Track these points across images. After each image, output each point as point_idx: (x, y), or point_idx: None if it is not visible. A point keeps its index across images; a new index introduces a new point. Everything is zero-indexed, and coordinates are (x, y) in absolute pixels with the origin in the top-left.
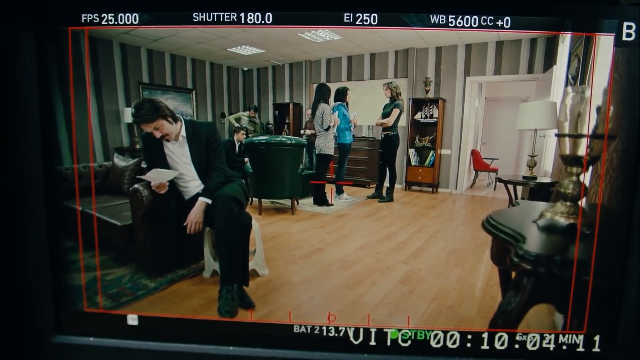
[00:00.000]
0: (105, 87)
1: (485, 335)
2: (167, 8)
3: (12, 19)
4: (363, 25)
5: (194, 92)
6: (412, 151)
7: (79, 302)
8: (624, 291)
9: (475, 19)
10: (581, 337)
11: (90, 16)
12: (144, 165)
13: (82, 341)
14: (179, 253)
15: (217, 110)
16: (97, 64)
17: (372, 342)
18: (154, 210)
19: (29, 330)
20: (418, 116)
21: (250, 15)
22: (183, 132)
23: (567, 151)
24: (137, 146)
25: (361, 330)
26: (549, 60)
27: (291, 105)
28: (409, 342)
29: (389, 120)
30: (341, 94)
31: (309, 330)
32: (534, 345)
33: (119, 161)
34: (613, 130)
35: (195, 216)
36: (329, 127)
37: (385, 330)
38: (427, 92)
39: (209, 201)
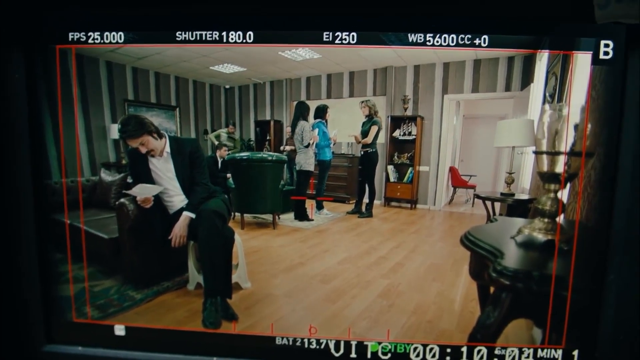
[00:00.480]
0: (92, 103)
1: (464, 349)
2: (151, 27)
3: (2, 37)
4: (342, 44)
5: (177, 109)
6: (390, 168)
7: (68, 313)
8: (602, 306)
9: (452, 37)
10: (560, 352)
11: (77, 35)
12: (129, 180)
13: (71, 350)
14: (164, 266)
15: (200, 127)
16: (84, 81)
17: (353, 355)
18: (140, 223)
19: (20, 340)
20: (397, 133)
21: (232, 34)
22: (167, 148)
23: (545, 168)
24: (123, 161)
25: (342, 342)
26: (527, 78)
27: (272, 123)
28: (389, 355)
29: (368, 138)
30: (321, 112)
31: (291, 342)
32: (513, 359)
33: (106, 176)
34: (591, 147)
35: (179, 230)
36: (309, 144)
37: (365, 343)
38: (405, 109)
39: (193, 215)
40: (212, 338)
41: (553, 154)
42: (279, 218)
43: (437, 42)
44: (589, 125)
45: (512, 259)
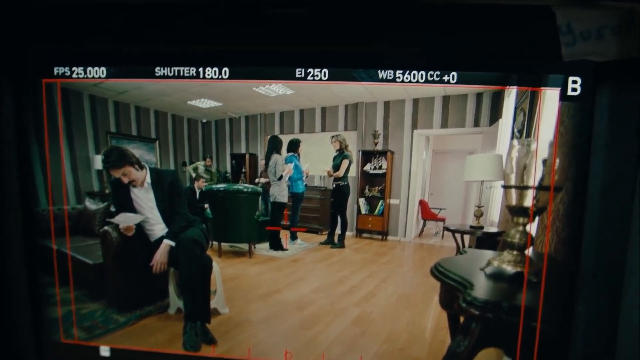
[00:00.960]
0: (77, 135)
1: None
2: (131, 63)
3: None
4: (314, 80)
5: (157, 141)
6: (362, 200)
7: (57, 334)
8: (571, 337)
9: (422, 74)
10: None
11: (62, 69)
12: (112, 209)
13: None
14: (146, 291)
15: (178, 159)
16: (69, 114)
17: None
18: (123, 250)
19: (12, 359)
20: (367, 167)
21: (209, 70)
22: (148, 179)
23: (514, 202)
24: (107, 191)
25: None
26: (495, 114)
27: (247, 156)
28: None
29: (339, 172)
30: (294, 146)
31: None
32: None
33: (91, 204)
34: (559, 182)
35: (160, 257)
36: (282, 176)
37: None
38: (375, 144)
39: (173, 243)
40: None
41: (521, 188)
42: (254, 247)
43: (407, 78)
44: (558, 160)
45: (481, 289)
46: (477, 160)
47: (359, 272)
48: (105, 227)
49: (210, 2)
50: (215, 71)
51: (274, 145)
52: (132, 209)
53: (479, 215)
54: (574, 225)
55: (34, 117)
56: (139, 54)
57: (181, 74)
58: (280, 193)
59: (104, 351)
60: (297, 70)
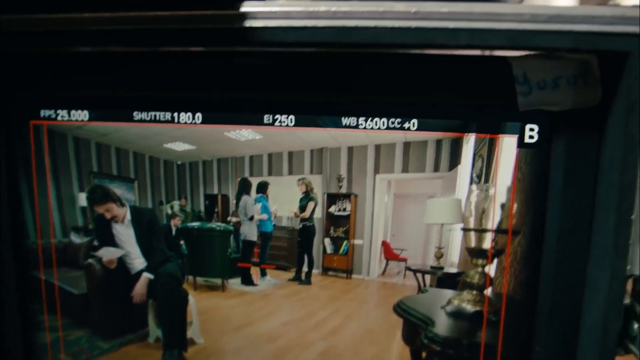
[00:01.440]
0: (62, 174)
1: None
2: (111, 107)
3: None
4: (281, 126)
5: (136, 181)
6: (327, 240)
7: (45, 358)
8: None
9: (383, 121)
10: None
11: (48, 112)
12: (95, 243)
13: None
14: (127, 320)
15: (156, 198)
16: (55, 154)
17: None
18: (105, 282)
19: None
20: (332, 209)
21: (183, 116)
22: (128, 216)
23: (473, 244)
24: (90, 226)
25: None
26: (454, 160)
27: (219, 196)
28: None
29: (306, 213)
30: (262, 188)
31: None
32: None
33: (75, 238)
34: (517, 225)
35: (140, 289)
36: (252, 217)
37: None
38: (340, 187)
39: (152, 277)
40: None
41: (480, 231)
42: (227, 282)
43: (369, 125)
44: (515, 205)
45: (442, 327)
46: (437, 204)
47: (326, 307)
48: (89, 260)
49: (183, 52)
50: (189, 116)
51: (244, 187)
52: (114, 244)
53: (439, 256)
54: (531, 268)
55: (23, 156)
56: (118, 99)
57: (157, 118)
58: (250, 232)
59: None
60: (266, 116)
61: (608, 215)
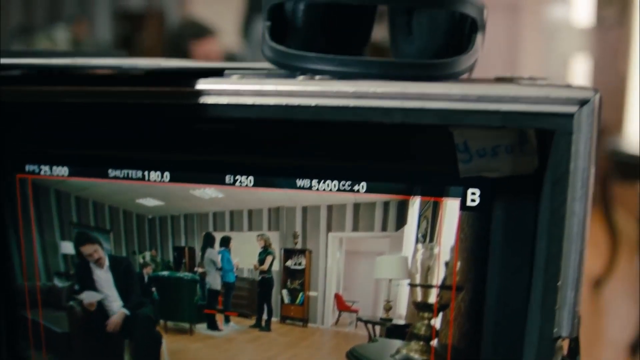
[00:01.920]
0: (45, 224)
1: None
2: (88, 164)
3: None
4: (241, 185)
5: (111, 232)
6: (285, 291)
7: None
8: None
9: (335, 183)
10: None
11: (32, 167)
12: (77, 287)
13: None
14: (106, 357)
15: (129, 248)
16: (39, 206)
17: None
18: (85, 322)
19: None
20: (289, 263)
21: (152, 174)
22: (107, 262)
23: (419, 299)
24: (71, 272)
25: None
26: (401, 221)
27: (187, 249)
28: None
29: (264, 266)
30: (225, 242)
31: None
32: None
33: (58, 282)
34: (460, 282)
35: (115, 319)
36: (216, 268)
37: None
38: (295, 243)
39: (128, 313)
40: None
41: (426, 286)
42: (194, 326)
43: (321, 187)
44: (459, 263)
45: None
46: (386, 260)
47: (284, 353)
48: (71, 302)
49: (151, 114)
50: (158, 174)
51: (208, 241)
52: (94, 288)
53: (388, 308)
54: (474, 322)
55: (10, 207)
56: (95, 157)
57: (129, 175)
58: (214, 281)
59: None
60: (227, 176)
61: (537, 280)
